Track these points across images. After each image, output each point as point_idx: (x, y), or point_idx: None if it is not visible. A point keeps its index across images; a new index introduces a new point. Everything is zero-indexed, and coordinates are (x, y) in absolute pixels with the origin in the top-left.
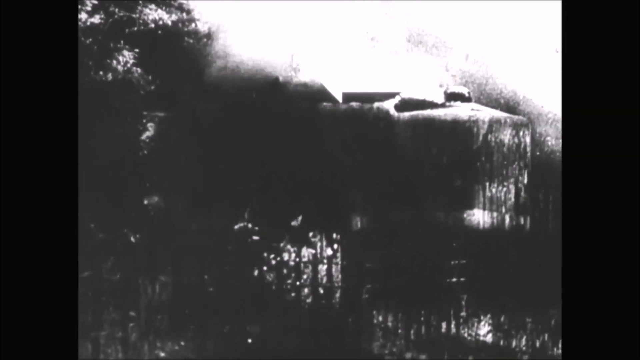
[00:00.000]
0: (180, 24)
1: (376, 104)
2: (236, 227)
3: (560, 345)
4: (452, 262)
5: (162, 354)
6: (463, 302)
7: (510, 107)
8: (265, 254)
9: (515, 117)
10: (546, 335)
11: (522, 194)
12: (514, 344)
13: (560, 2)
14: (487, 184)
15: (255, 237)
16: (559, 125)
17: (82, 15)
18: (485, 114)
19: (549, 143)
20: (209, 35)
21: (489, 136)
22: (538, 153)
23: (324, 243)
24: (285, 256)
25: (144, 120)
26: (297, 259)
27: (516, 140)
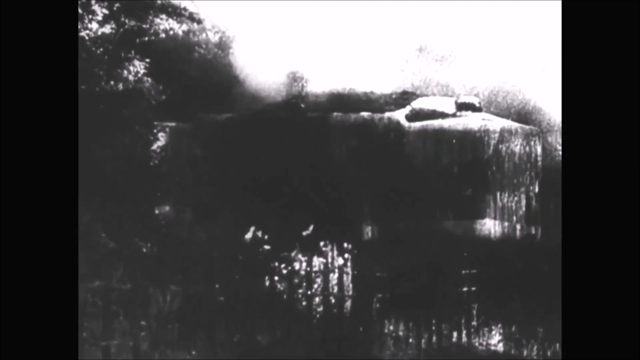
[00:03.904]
0: (191, 34)
1: (387, 114)
2: (247, 236)
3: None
4: (463, 272)
5: None
6: (474, 312)
7: (521, 116)
8: (276, 263)
9: (526, 127)
10: (557, 345)
11: (533, 203)
12: (525, 353)
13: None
14: (498, 193)
15: (266, 247)
16: None
17: (93, 25)
18: (496, 123)
19: (560, 152)
20: (220, 45)
21: (500, 146)
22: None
23: (335, 252)
24: (296, 265)
25: (155, 130)
26: (308, 268)
27: (527, 149)
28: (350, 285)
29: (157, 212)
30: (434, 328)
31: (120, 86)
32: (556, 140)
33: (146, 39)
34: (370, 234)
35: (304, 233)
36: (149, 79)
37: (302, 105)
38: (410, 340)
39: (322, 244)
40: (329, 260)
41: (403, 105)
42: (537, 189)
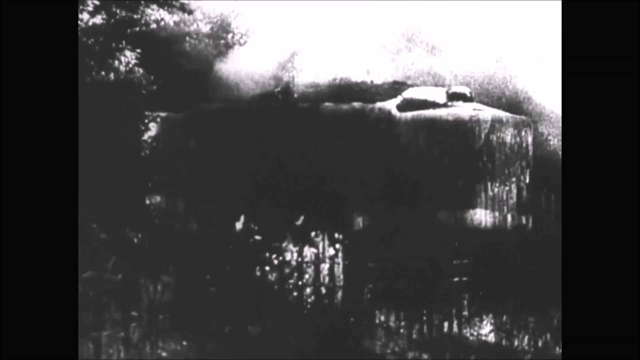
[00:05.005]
0: (182, 24)
1: (378, 104)
2: (238, 226)
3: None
4: (454, 262)
5: (164, 354)
6: (465, 302)
7: (512, 106)
8: (267, 254)
9: (517, 117)
10: (548, 335)
11: (524, 193)
12: (516, 343)
13: (560, 2)
14: (489, 183)
15: (257, 237)
16: (561, 124)
17: (84, 16)
18: (487, 113)
19: (551, 142)
20: (210, 36)
21: (491, 136)
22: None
23: (326, 243)
24: (287, 256)
25: (146, 121)
26: (299, 259)
27: (518, 139)
28: (342, 276)
29: (148, 202)
30: (425, 318)
31: (112, 76)
32: (547, 130)
33: (137, 29)
34: (361, 224)
35: (296, 223)
36: (140, 69)
37: (295, 95)
38: (402, 330)
39: (313, 234)
40: (320, 250)
41: (394, 95)
42: (527, 179)
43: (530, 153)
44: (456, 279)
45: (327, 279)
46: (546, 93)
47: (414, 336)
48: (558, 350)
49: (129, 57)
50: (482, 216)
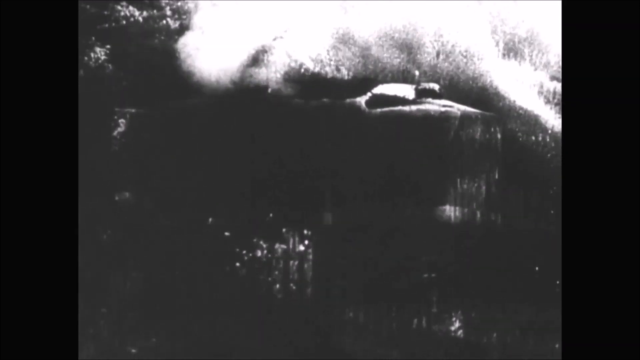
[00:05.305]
0: (151, 21)
1: (348, 100)
2: (208, 223)
3: (525, 340)
4: (423, 258)
5: (134, 350)
6: (434, 298)
7: (481, 103)
8: (237, 250)
9: (487, 113)
10: (517, 332)
11: (493, 190)
12: (484, 339)
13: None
14: (459, 180)
15: (227, 233)
16: (530, 121)
17: None
18: (456, 110)
19: (520, 139)
20: (180, 32)
21: (460, 132)
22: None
23: (296, 239)
24: (258, 252)
25: (116, 117)
26: (269, 255)
27: (487, 136)
28: (311, 272)
29: (117, 199)
30: (394, 315)
31: (82, 72)
32: (517, 126)
33: (107, 25)
34: (330, 220)
35: (266, 219)
36: (110, 65)
37: (269, 90)
38: (370, 326)
39: (284, 230)
40: (290, 246)
41: (364, 92)
42: (497, 176)
43: (500, 150)
44: (425, 275)
45: (296, 275)
46: (516, 89)
47: (383, 332)
48: (527, 346)
49: (98, 53)
50: (451, 212)
